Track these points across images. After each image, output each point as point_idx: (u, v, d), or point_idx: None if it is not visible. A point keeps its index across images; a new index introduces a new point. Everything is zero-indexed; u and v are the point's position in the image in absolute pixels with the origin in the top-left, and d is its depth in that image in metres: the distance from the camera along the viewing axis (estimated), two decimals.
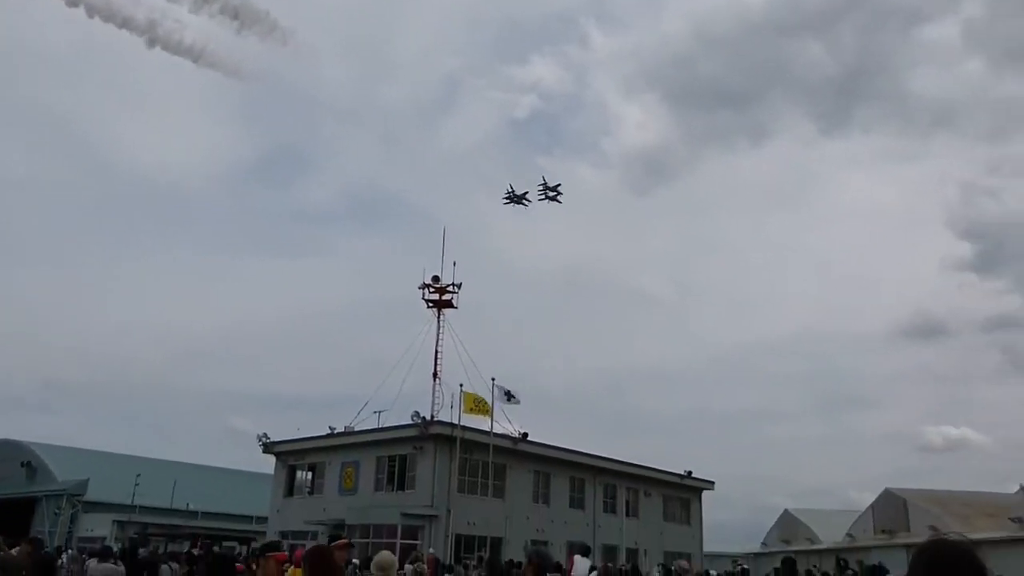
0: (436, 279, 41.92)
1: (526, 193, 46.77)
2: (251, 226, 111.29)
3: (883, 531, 48.60)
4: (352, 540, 35.34)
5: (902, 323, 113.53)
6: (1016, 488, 47.40)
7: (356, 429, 39.49)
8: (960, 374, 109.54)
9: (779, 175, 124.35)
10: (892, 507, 48.72)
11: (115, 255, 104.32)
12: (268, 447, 42.52)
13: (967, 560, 2.21)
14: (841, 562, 16.10)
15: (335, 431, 40.14)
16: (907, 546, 42.09)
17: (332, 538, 7.33)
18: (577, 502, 42.18)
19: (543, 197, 46.88)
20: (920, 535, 40.46)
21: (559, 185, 46.84)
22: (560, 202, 47.07)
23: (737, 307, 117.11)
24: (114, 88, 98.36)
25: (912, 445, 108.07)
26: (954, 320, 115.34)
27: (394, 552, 24.92)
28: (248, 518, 50.25)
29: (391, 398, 62.26)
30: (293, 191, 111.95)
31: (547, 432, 74.77)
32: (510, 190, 47.16)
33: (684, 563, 13.86)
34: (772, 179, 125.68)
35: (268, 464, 44.35)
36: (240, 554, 27.08)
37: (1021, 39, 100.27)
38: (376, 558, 7.05)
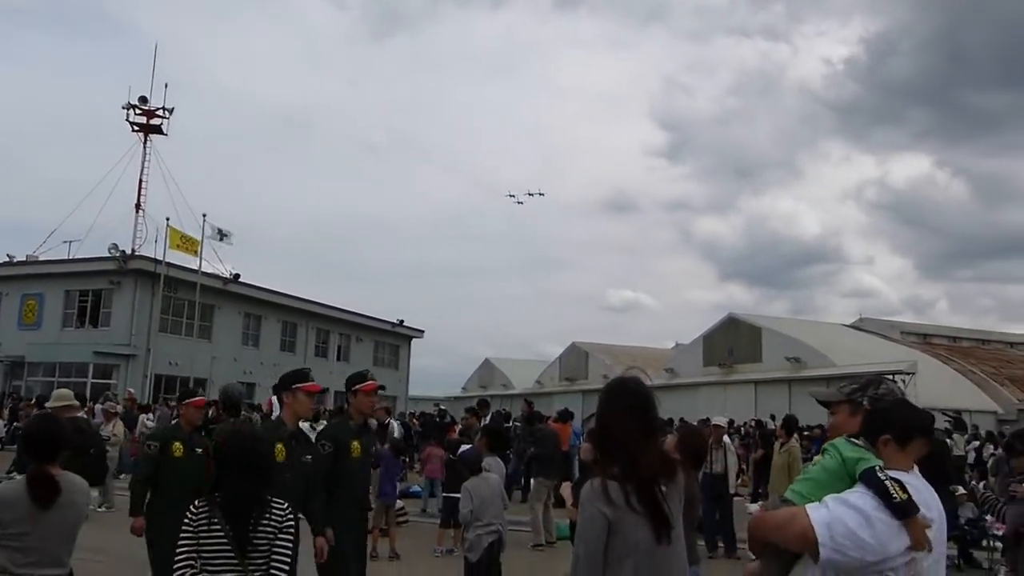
0: (144, 100, 37.71)
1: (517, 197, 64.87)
2: None
3: (566, 379, 55.08)
4: (35, 379, 32.59)
5: (600, 197, 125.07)
6: (672, 344, 55.96)
7: (41, 259, 35.58)
8: (641, 245, 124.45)
9: (510, 42, 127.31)
10: (576, 358, 55.19)
11: None
12: None
13: (634, 384, 2.83)
14: (528, 402, 18.27)
15: (14, 259, 35.85)
16: (584, 392, 48.30)
17: (186, 393, 6.17)
18: (289, 346, 42.26)
19: (532, 195, 64.70)
20: (595, 382, 46.51)
21: (543, 194, 67.23)
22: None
23: (455, 166, 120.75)
24: None
25: (597, 305, 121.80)
26: (643, 198, 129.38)
27: (85, 392, 23.40)
28: None
29: (85, 227, 56.52)
30: None
31: (260, 275, 72.78)
32: (510, 192, 66.12)
33: (384, 403, 14.82)
34: (503, 45, 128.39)
35: None
36: None
37: None
38: (54, 393, 7.27)
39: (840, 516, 2.03)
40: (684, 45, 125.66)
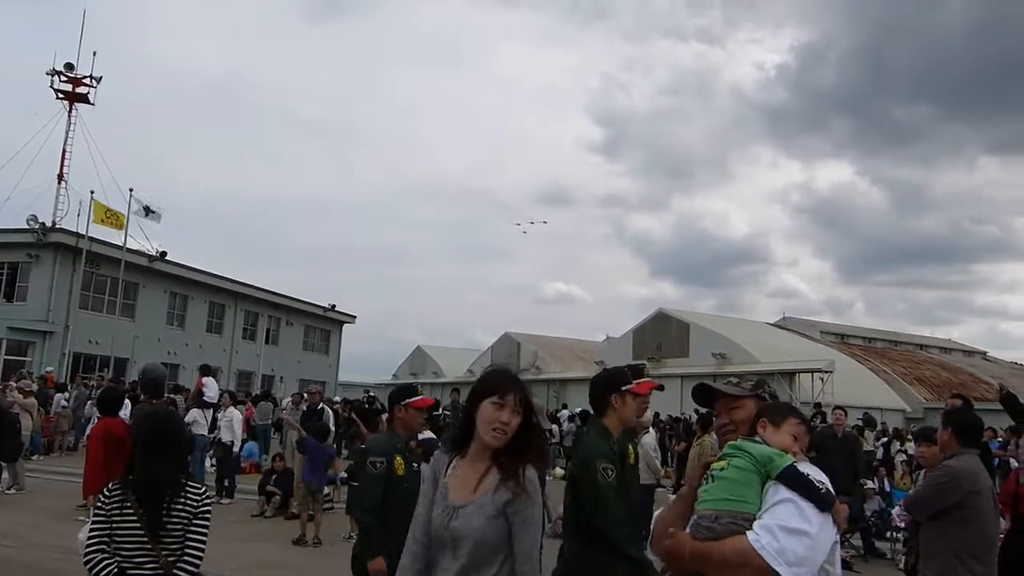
0: (70, 67, 36.08)
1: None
2: None
3: None
4: None
5: (536, 188, 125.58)
6: (603, 337, 56.71)
7: None
8: (576, 239, 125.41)
9: (451, 32, 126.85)
10: (508, 348, 55.34)
11: None
12: None
13: (504, 371, 2.93)
14: (455, 391, 18.39)
15: None
16: None
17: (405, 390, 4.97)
18: (215, 327, 41.28)
19: (533, 223, 70.48)
20: (527, 374, 46.80)
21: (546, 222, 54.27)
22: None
23: (393, 150, 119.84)
24: None
25: (531, 296, 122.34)
26: (579, 193, 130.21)
27: None
28: None
29: (2, 197, 53.82)
30: None
31: (188, 253, 70.96)
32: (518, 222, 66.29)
33: (316, 387, 14.71)
34: (444, 34, 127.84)
35: None
36: None
37: None
38: None
39: (789, 546, 2.10)
40: (622, 44, 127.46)
